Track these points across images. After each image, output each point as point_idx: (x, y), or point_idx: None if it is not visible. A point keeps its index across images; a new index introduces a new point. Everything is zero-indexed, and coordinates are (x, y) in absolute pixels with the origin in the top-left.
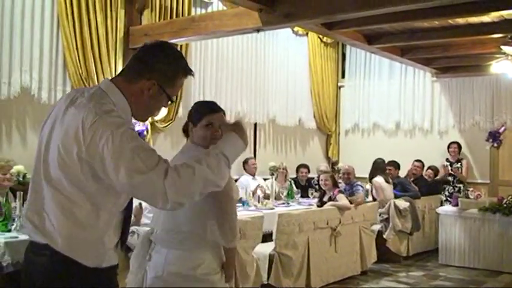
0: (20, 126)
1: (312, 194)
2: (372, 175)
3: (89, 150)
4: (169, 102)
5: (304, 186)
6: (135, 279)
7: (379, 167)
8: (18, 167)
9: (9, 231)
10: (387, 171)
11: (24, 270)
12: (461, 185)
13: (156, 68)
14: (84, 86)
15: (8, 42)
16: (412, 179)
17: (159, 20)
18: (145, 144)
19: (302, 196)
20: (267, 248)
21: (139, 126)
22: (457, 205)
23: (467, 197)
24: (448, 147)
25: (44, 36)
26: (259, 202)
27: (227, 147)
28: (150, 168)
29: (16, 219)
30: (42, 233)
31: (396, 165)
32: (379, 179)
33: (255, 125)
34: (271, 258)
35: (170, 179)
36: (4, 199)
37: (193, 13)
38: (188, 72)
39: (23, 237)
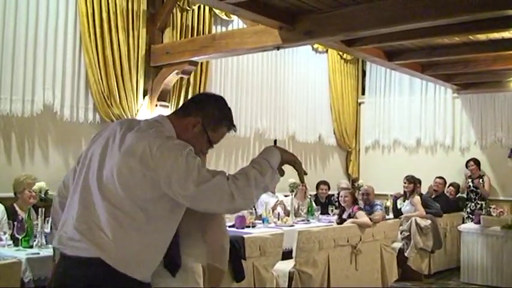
0: (43, 143)
1: (332, 211)
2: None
3: (157, 169)
4: (210, 146)
5: (324, 203)
6: None
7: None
8: (40, 184)
9: (31, 247)
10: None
11: (60, 284)
12: (483, 202)
13: (205, 110)
14: (106, 104)
15: (32, 60)
16: (433, 196)
17: (180, 38)
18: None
19: (322, 213)
20: (286, 266)
21: None
22: (479, 222)
23: (489, 214)
24: (466, 164)
25: (67, 54)
26: (278, 219)
27: (273, 161)
28: (214, 175)
29: (38, 235)
30: (95, 246)
31: (418, 181)
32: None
33: (275, 141)
34: (291, 275)
35: (231, 181)
36: (26, 215)
37: (213, 31)
38: (232, 126)
39: (45, 253)
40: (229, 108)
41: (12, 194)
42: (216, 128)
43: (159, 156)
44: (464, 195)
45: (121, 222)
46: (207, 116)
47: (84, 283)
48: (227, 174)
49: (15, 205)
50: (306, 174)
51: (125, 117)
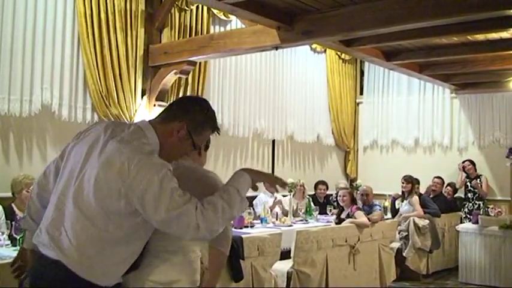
0: (41, 143)
1: (330, 210)
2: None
3: (132, 185)
4: (194, 148)
5: (322, 203)
6: None
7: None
8: None
9: None
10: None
11: (32, 282)
12: (481, 202)
13: (190, 114)
14: (104, 104)
15: (30, 60)
16: (431, 196)
17: (179, 38)
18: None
19: (320, 213)
20: (285, 265)
21: None
22: (477, 222)
23: (487, 214)
24: (462, 166)
25: (65, 54)
26: (277, 219)
27: (242, 188)
28: (184, 203)
29: None
30: (58, 249)
31: (416, 181)
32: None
33: (273, 141)
34: (289, 275)
35: (199, 212)
36: (23, 215)
37: (212, 31)
38: (216, 128)
39: None
40: (213, 111)
41: (10, 194)
42: (201, 131)
43: (135, 174)
44: (462, 195)
45: (88, 232)
46: (192, 121)
47: (50, 283)
48: (196, 204)
49: (13, 205)
50: (285, 184)
51: (123, 117)
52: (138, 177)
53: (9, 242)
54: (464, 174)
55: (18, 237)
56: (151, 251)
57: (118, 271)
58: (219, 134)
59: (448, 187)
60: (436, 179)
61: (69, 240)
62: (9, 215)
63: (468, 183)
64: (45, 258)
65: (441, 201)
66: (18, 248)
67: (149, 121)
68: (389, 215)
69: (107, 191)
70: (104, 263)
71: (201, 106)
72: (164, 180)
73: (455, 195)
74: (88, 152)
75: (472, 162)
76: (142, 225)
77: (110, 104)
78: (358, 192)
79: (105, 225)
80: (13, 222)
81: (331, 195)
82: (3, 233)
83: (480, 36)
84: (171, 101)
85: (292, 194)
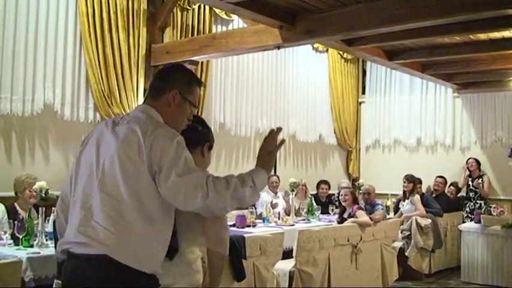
0: (43, 142)
1: (332, 210)
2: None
3: (150, 156)
4: (194, 108)
5: (324, 203)
6: None
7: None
8: (40, 183)
9: (32, 246)
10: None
11: (67, 283)
12: (482, 201)
13: (175, 80)
14: (106, 103)
15: (32, 59)
16: (434, 195)
17: (181, 38)
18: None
19: (322, 212)
20: (287, 265)
21: None
22: (479, 222)
23: (489, 213)
24: (467, 163)
25: (67, 53)
26: (279, 218)
27: (257, 180)
28: (196, 170)
29: (38, 235)
30: (99, 243)
31: (418, 181)
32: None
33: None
34: (291, 275)
35: (211, 181)
36: (27, 215)
37: (214, 30)
38: (201, 82)
39: (45, 252)
40: (189, 69)
41: (12, 194)
42: (191, 89)
43: (151, 144)
44: (464, 194)
45: (123, 215)
46: (180, 84)
47: (95, 280)
48: (209, 174)
49: (15, 204)
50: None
51: None
52: (154, 147)
53: (11, 241)
54: (467, 172)
55: (20, 237)
56: None
57: (158, 255)
58: (204, 87)
59: (451, 187)
60: (438, 179)
61: (105, 229)
62: (12, 215)
63: (470, 183)
64: (84, 257)
65: (443, 201)
66: (20, 247)
67: (144, 103)
68: (391, 215)
69: (133, 170)
70: (142, 246)
71: (179, 69)
72: (178, 147)
73: (458, 195)
74: (98, 148)
75: (477, 161)
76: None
77: (112, 103)
78: (361, 191)
79: (138, 205)
80: (15, 222)
81: (333, 194)
82: (5, 232)
83: (482, 36)
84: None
85: (294, 193)
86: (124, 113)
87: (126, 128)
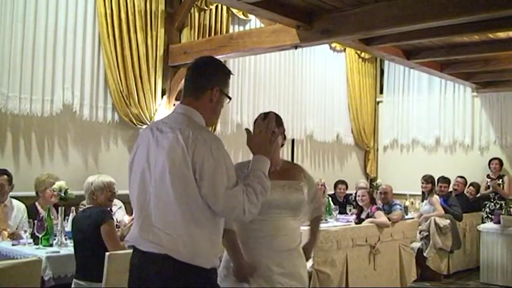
0: (62, 142)
1: (349, 210)
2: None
3: (194, 161)
4: (229, 100)
5: (342, 203)
6: None
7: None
8: (60, 183)
9: (51, 246)
10: (441, 188)
11: (136, 279)
12: (503, 202)
13: (215, 77)
14: (124, 104)
15: (51, 60)
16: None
17: (198, 38)
18: (230, 160)
19: (340, 213)
20: None
21: None
22: (498, 222)
23: (509, 214)
24: (489, 163)
25: (86, 54)
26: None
27: (263, 167)
28: (234, 185)
29: (58, 234)
30: (160, 245)
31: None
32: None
33: (292, 141)
34: (309, 275)
35: (245, 195)
36: (46, 214)
37: (231, 31)
38: (230, 72)
39: (65, 252)
40: (217, 60)
41: (33, 193)
42: (227, 83)
43: (193, 151)
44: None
45: (178, 218)
46: (219, 81)
47: (160, 277)
48: (243, 188)
49: (36, 204)
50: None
51: (144, 116)
52: (196, 155)
53: (31, 240)
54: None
55: (40, 236)
56: None
57: (214, 251)
58: (232, 74)
59: (471, 187)
60: (458, 179)
61: (164, 233)
62: (32, 214)
63: (490, 183)
64: (149, 254)
65: (463, 201)
66: (40, 246)
67: (183, 103)
68: (409, 215)
69: (181, 176)
70: (200, 244)
71: (215, 65)
72: (218, 155)
73: (478, 195)
74: (147, 155)
75: (500, 161)
76: None
77: (130, 104)
78: (378, 191)
79: (190, 209)
80: (35, 221)
81: (351, 194)
82: (25, 232)
83: (502, 34)
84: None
85: None
86: (142, 114)
87: (171, 137)
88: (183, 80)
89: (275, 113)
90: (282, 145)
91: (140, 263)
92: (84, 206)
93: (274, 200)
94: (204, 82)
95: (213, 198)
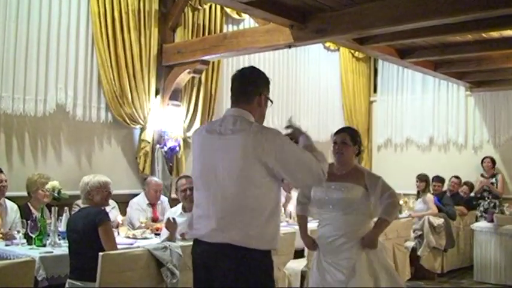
0: (55, 142)
1: None
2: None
3: (265, 153)
4: (271, 104)
5: None
6: None
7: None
8: (53, 183)
9: (44, 246)
10: (435, 187)
11: (205, 268)
12: (496, 201)
13: (260, 85)
14: (118, 103)
15: (44, 60)
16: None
17: (192, 38)
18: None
19: None
20: (298, 265)
21: (172, 142)
22: (492, 221)
23: (502, 212)
24: (482, 162)
25: (79, 54)
26: (290, 218)
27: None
28: (310, 157)
29: (51, 234)
30: (233, 236)
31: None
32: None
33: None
34: (303, 274)
35: (317, 161)
36: (40, 214)
37: (225, 30)
38: (269, 79)
39: (58, 252)
40: (257, 69)
41: (25, 193)
42: (269, 89)
43: (263, 145)
44: (478, 194)
45: (244, 210)
46: (264, 87)
47: (232, 262)
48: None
49: (28, 204)
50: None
51: (137, 116)
52: (267, 146)
53: (24, 240)
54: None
55: (33, 236)
56: None
57: (277, 235)
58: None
59: (464, 186)
60: (453, 179)
61: (231, 224)
62: (25, 214)
63: (482, 182)
64: (217, 245)
65: (457, 201)
66: (33, 246)
67: (234, 108)
68: (404, 214)
69: (248, 170)
70: (265, 230)
71: (260, 74)
72: (286, 141)
73: (472, 194)
74: (212, 155)
75: (492, 160)
76: (275, 187)
77: (123, 104)
78: None
79: (255, 201)
80: (28, 221)
81: None
82: (18, 232)
83: (495, 34)
84: (185, 100)
85: None
86: (135, 113)
87: (237, 138)
88: (230, 88)
89: (352, 129)
90: (358, 154)
91: (210, 253)
92: (79, 206)
93: (331, 199)
94: (253, 89)
95: (308, 176)
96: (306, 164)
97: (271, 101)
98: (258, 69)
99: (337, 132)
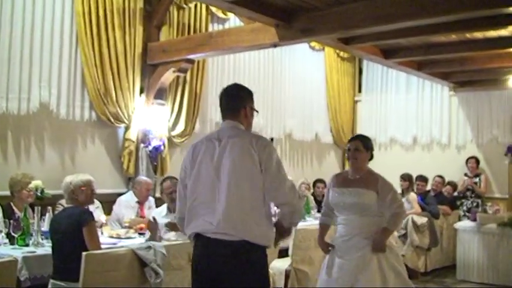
0: (39, 141)
1: None
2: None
3: (260, 157)
4: (257, 113)
5: (320, 201)
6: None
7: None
8: (36, 182)
9: (27, 245)
10: (419, 186)
11: (207, 262)
12: (479, 200)
13: (244, 98)
14: (102, 102)
15: (28, 58)
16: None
17: (177, 36)
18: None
19: (319, 211)
20: (283, 264)
21: (156, 141)
22: (475, 220)
23: (485, 212)
24: (467, 162)
25: (63, 52)
26: (275, 217)
27: None
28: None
29: (34, 234)
30: (236, 233)
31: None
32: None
33: (272, 139)
34: (287, 273)
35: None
36: (23, 214)
37: (210, 29)
38: (252, 92)
39: (41, 252)
40: (245, 86)
41: (8, 193)
42: (253, 101)
43: (259, 149)
44: (461, 193)
45: (246, 210)
46: (248, 99)
47: (235, 256)
48: None
49: (11, 204)
50: None
51: (121, 115)
52: (261, 153)
53: (7, 240)
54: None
55: (16, 236)
56: None
57: (272, 232)
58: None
59: (448, 186)
60: (437, 178)
61: (234, 221)
62: (8, 214)
63: (467, 181)
64: (220, 242)
65: (441, 200)
66: (16, 246)
67: (226, 121)
68: None
69: (249, 172)
70: (262, 228)
71: (241, 88)
72: (275, 152)
73: (455, 194)
74: (215, 160)
75: (476, 160)
76: None
77: (108, 102)
78: None
79: (255, 201)
80: (11, 221)
81: None
82: (1, 231)
83: (478, 34)
84: (169, 99)
85: None
86: (120, 112)
87: (236, 143)
88: (219, 102)
89: (364, 137)
90: (370, 159)
91: (211, 249)
92: (63, 205)
93: (346, 204)
94: (238, 103)
95: (278, 188)
96: (284, 180)
97: (257, 111)
98: (241, 85)
99: (350, 140)
